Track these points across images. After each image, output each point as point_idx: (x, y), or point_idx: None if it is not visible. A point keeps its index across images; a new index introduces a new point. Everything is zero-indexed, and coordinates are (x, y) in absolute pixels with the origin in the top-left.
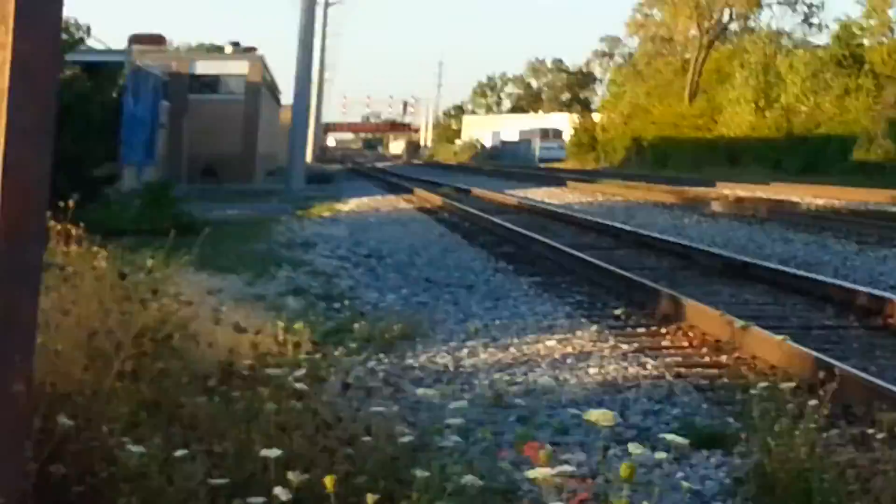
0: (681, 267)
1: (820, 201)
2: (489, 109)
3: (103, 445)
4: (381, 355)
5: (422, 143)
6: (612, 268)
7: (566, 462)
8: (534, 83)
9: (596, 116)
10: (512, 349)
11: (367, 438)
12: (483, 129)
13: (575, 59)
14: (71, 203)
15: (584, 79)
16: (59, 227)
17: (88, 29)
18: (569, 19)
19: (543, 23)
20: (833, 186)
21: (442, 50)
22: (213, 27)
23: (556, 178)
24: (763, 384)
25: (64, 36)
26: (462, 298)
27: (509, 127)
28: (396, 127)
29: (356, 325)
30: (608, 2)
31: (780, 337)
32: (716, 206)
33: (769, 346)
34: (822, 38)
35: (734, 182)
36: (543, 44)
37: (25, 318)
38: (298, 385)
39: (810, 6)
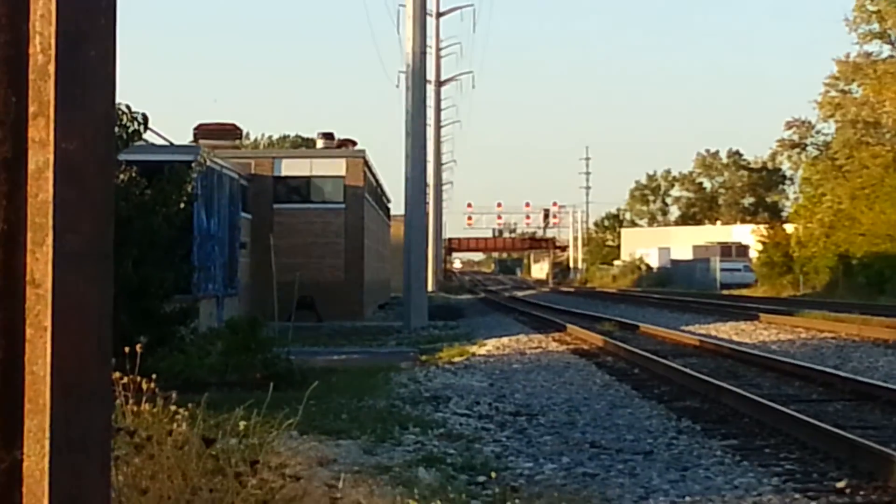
0: None
1: None
2: (653, 219)
3: None
4: None
5: (571, 264)
6: (826, 426)
7: None
8: (707, 183)
9: (789, 227)
10: None
11: None
12: (647, 245)
13: (756, 151)
14: (139, 348)
15: (769, 177)
16: (125, 379)
17: (145, 119)
18: (746, 100)
19: (714, 105)
20: None
21: (589, 142)
22: (296, 114)
23: (744, 310)
24: None
25: (115, 129)
26: (640, 468)
27: (680, 242)
28: (537, 243)
29: None
30: (795, 74)
31: None
32: None
33: None
34: None
35: None
36: (717, 132)
37: (95, 503)
38: None
39: None
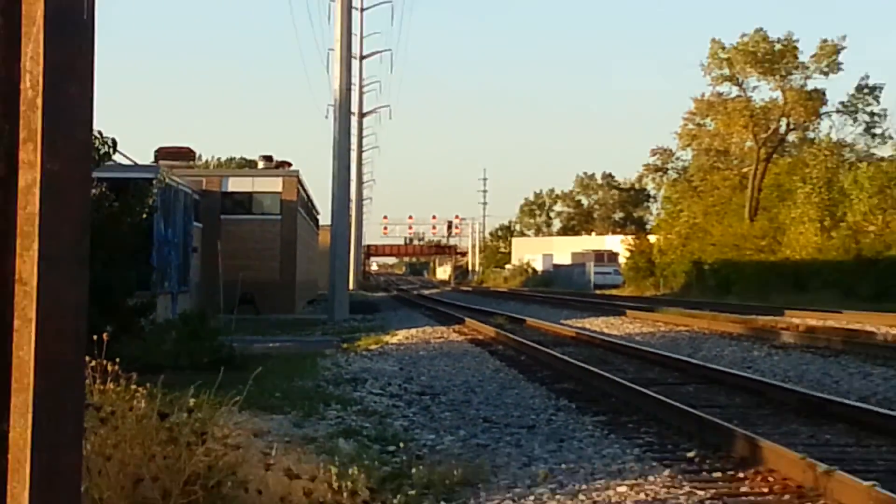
0: (754, 404)
1: None
2: (539, 230)
3: None
4: None
5: (469, 267)
6: (680, 405)
7: None
8: (584, 200)
9: (652, 237)
10: (581, 496)
11: None
12: (533, 252)
13: (626, 174)
14: (105, 336)
15: (636, 195)
16: (93, 363)
17: (114, 143)
18: (618, 130)
19: (592, 134)
20: None
21: (487, 163)
22: (241, 139)
23: (613, 307)
24: None
25: None
26: (524, 440)
27: (561, 249)
28: (442, 249)
29: (414, 471)
30: (659, 110)
31: (867, 483)
32: (786, 337)
33: (856, 494)
34: (886, 150)
35: (804, 310)
36: (593, 157)
37: (69, 468)
38: None
39: (872, 115)
